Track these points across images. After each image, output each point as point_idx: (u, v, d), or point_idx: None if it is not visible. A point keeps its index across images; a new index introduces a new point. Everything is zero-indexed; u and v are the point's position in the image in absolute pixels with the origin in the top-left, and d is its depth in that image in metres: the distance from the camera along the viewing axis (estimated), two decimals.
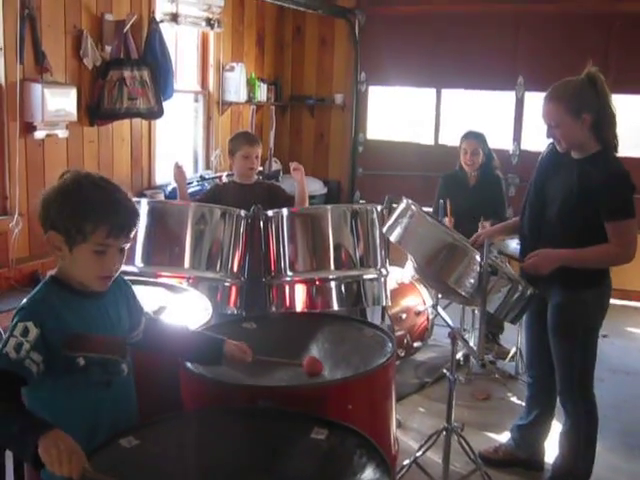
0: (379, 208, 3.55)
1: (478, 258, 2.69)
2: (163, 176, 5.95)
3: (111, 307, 1.86)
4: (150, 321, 2.03)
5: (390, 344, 2.25)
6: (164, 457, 1.68)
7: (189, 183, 5.92)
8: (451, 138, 6.71)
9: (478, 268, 2.69)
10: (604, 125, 2.87)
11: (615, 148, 2.93)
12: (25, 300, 1.76)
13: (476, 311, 4.70)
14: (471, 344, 4.56)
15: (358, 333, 2.43)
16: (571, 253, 2.88)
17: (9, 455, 2.33)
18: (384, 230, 3.03)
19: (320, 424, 1.76)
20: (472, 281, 2.73)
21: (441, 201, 4.10)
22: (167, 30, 5.73)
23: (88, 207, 1.71)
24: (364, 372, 2.06)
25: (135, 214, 1.79)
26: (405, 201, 2.92)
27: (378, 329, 2.42)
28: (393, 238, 2.91)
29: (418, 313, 4.56)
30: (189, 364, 2.10)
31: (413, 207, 2.85)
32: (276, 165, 7.22)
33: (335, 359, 2.24)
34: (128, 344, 1.88)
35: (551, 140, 3.02)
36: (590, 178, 2.84)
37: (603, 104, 2.87)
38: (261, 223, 3.55)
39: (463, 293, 2.78)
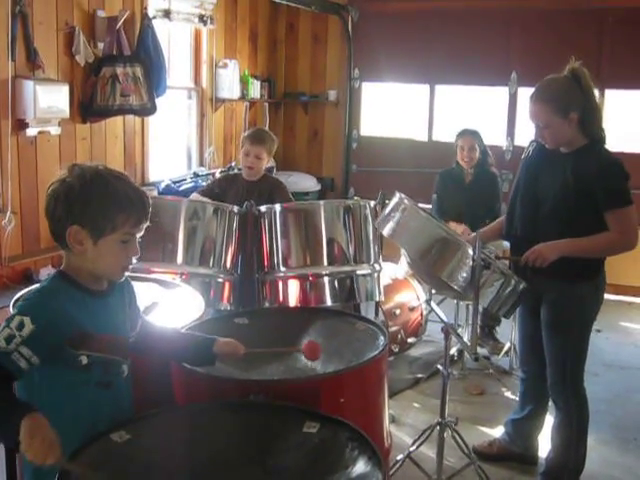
0: (372, 204, 3.56)
1: (471, 252, 2.68)
2: (156, 173, 5.94)
3: (116, 306, 1.86)
4: (147, 324, 2.02)
5: (382, 337, 2.25)
6: (155, 451, 1.67)
7: (182, 180, 5.92)
8: (445, 134, 6.73)
9: (471, 262, 2.69)
10: (590, 120, 2.88)
11: (603, 140, 2.94)
12: (30, 291, 1.76)
13: (470, 306, 4.71)
14: (465, 339, 4.57)
15: (351, 327, 2.43)
16: (573, 243, 2.88)
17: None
18: (376, 224, 3.03)
19: (312, 418, 1.75)
20: (465, 275, 2.72)
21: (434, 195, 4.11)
22: (160, 26, 5.72)
23: (118, 198, 1.72)
24: (356, 365, 2.06)
25: (150, 201, 1.81)
26: (398, 195, 2.92)
27: (370, 323, 2.42)
28: (386, 232, 2.91)
29: (412, 309, 4.56)
30: None
31: (406, 201, 2.84)
32: (270, 162, 7.21)
33: (328, 353, 2.23)
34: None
35: (533, 139, 3.05)
36: (584, 169, 2.85)
37: (588, 99, 2.89)
38: (254, 219, 3.55)
39: (456, 287, 2.77)
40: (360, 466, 1.57)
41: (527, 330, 3.23)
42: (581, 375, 3.07)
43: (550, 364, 3.06)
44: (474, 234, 2.72)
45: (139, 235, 1.80)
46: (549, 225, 2.94)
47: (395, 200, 2.92)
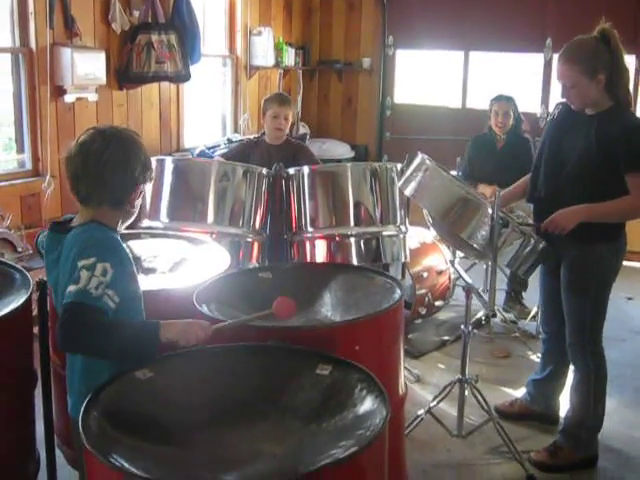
0: (399, 166, 3.61)
1: (490, 211, 2.74)
2: (191, 139, 6.05)
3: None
4: None
5: (399, 290, 2.32)
6: (176, 389, 1.78)
7: (217, 146, 6.02)
8: (479, 101, 6.69)
9: (490, 222, 2.74)
10: (617, 82, 2.88)
11: (629, 103, 2.94)
12: (93, 239, 1.86)
13: (497, 270, 4.75)
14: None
15: (369, 282, 2.50)
16: (592, 208, 2.89)
17: (38, 394, 2.49)
18: (399, 184, 3.08)
19: (325, 361, 1.84)
20: (485, 234, 2.79)
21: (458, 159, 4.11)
22: None
23: (146, 152, 1.98)
24: (370, 315, 2.14)
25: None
26: (420, 156, 2.97)
27: (388, 277, 2.49)
28: (408, 192, 2.97)
29: (440, 272, 4.61)
30: (204, 307, 2.20)
31: (428, 161, 2.90)
32: (303, 129, 7.28)
33: (346, 305, 2.32)
34: None
35: (559, 102, 3.05)
36: (608, 131, 2.86)
37: (616, 62, 2.87)
38: (283, 181, 3.63)
39: (476, 246, 2.84)
40: (368, 404, 1.66)
41: (548, 291, 3.26)
42: (599, 335, 3.10)
43: (569, 324, 3.09)
44: (496, 193, 2.76)
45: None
46: (571, 187, 2.96)
47: (417, 161, 2.97)
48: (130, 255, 1.96)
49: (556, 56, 6.95)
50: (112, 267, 1.80)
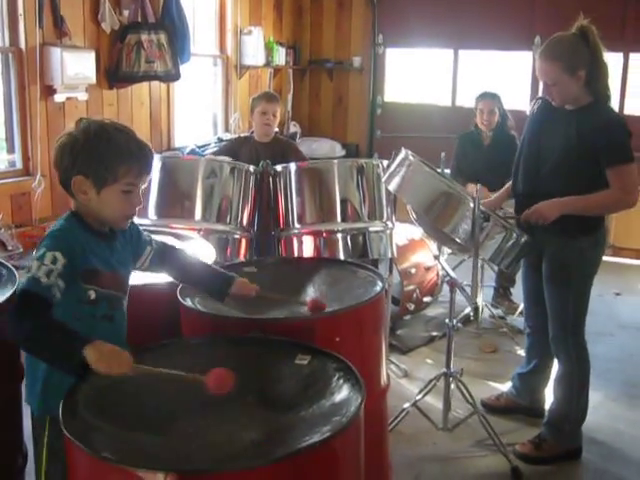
0: (385, 163, 3.64)
1: (472, 205, 2.77)
2: (182, 138, 6.07)
3: (120, 247, 2.00)
4: (162, 248, 2.19)
5: (380, 283, 2.36)
6: (157, 380, 1.80)
7: (207, 145, 6.05)
8: (468, 99, 6.71)
9: (472, 216, 2.77)
10: (597, 78, 2.92)
11: (608, 98, 2.98)
12: (52, 230, 1.87)
13: (486, 267, 4.79)
14: (480, 300, 4.67)
15: (352, 275, 2.53)
16: (574, 200, 2.93)
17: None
18: (383, 179, 3.11)
19: (304, 351, 1.88)
20: (467, 228, 2.82)
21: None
22: None
23: (120, 150, 1.84)
24: (350, 306, 2.18)
25: (153, 154, 1.95)
26: (404, 151, 3.01)
27: (371, 271, 2.53)
28: (392, 187, 3.01)
29: (428, 269, 4.65)
30: (188, 300, 2.23)
31: (411, 157, 2.93)
32: (294, 128, 7.32)
33: (330, 298, 2.34)
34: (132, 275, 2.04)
35: (538, 96, 3.09)
36: (588, 126, 2.90)
37: (595, 58, 2.91)
38: (270, 178, 3.66)
39: (459, 240, 2.87)
40: (344, 392, 1.69)
41: (530, 285, 3.30)
42: (582, 329, 3.13)
43: (551, 317, 3.13)
44: (476, 187, 2.80)
45: (142, 186, 1.93)
46: (551, 182, 2.99)
47: (401, 156, 3.01)
48: (101, 257, 1.90)
49: None
50: (64, 256, 1.77)
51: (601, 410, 3.67)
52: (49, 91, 4.76)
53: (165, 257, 2.18)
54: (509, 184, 3.41)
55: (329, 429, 1.52)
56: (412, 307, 4.52)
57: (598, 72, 2.94)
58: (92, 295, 1.87)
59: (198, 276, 2.22)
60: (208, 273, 2.23)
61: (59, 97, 4.82)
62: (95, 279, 1.87)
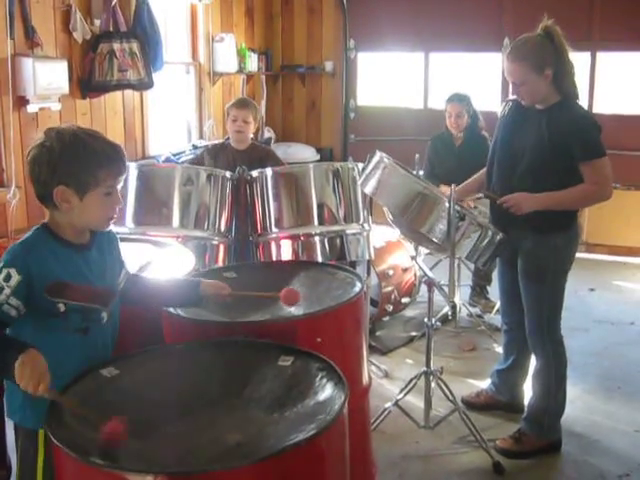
0: (360, 166, 3.68)
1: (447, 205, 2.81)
2: (156, 146, 6.07)
3: (97, 259, 1.98)
4: (131, 277, 2.15)
5: (359, 283, 2.39)
6: (142, 385, 1.82)
7: (182, 152, 6.05)
8: (440, 102, 6.77)
9: (447, 215, 2.82)
10: (563, 76, 2.99)
11: (576, 96, 3.05)
12: (13, 245, 1.87)
13: (462, 266, 4.85)
14: (457, 299, 4.72)
15: (331, 277, 2.56)
16: (549, 196, 3.00)
17: None
18: (359, 183, 3.15)
19: (286, 352, 1.90)
20: (443, 228, 2.86)
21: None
22: (156, 2, 5.80)
23: (97, 155, 1.84)
24: (331, 307, 2.21)
25: (125, 153, 1.97)
26: (378, 154, 3.04)
27: (349, 272, 2.56)
28: (368, 190, 3.04)
29: (405, 270, 4.70)
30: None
31: (385, 159, 2.97)
32: (268, 134, 7.34)
33: (310, 301, 2.37)
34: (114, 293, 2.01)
35: (509, 98, 3.16)
36: (558, 124, 2.97)
37: (561, 56, 2.99)
38: (247, 184, 3.68)
39: (436, 240, 2.91)
40: (328, 391, 1.72)
41: (506, 282, 3.35)
42: (558, 324, 3.19)
43: (527, 314, 3.19)
44: (451, 187, 2.85)
45: (119, 186, 1.94)
46: (525, 182, 3.05)
47: (376, 159, 3.05)
48: (72, 269, 1.89)
49: None
50: (19, 273, 1.76)
51: (578, 403, 3.74)
52: (22, 102, 4.73)
53: (137, 280, 2.17)
54: (476, 176, 3.45)
55: (314, 427, 1.55)
56: (391, 308, 4.56)
57: (564, 70, 3.01)
58: (61, 308, 1.85)
59: (168, 294, 2.20)
60: (172, 286, 2.22)
61: (32, 107, 4.79)
62: (63, 292, 1.85)
